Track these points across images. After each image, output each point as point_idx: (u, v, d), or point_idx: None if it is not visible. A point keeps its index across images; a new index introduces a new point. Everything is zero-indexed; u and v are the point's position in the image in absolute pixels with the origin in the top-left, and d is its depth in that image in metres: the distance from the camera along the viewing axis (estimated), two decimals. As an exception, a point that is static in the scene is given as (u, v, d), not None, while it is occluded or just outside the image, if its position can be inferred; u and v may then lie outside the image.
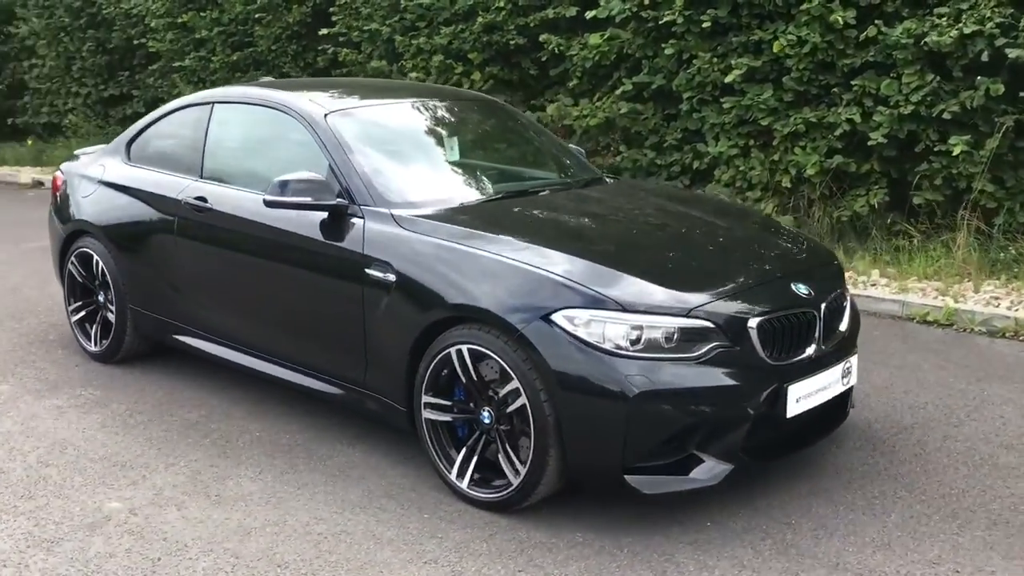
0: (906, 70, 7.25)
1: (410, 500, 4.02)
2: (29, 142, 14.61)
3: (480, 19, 9.34)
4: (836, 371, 4.01)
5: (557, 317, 3.65)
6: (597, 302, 3.65)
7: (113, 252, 5.50)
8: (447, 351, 3.91)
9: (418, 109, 5.21)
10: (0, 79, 15.39)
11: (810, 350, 3.92)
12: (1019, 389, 5.15)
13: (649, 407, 3.57)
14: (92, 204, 5.67)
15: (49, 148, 14.13)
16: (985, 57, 6.92)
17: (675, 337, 3.64)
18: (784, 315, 3.83)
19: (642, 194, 5.20)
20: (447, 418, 4.02)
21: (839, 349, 4.09)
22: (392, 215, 4.24)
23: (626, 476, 3.63)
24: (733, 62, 7.95)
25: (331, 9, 10.71)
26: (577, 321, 3.63)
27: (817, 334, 3.94)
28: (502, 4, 9.24)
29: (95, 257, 5.61)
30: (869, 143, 7.44)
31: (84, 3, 13.75)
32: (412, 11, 9.96)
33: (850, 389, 4.21)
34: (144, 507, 3.99)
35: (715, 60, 8.10)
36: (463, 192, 4.64)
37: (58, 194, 6.02)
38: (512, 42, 9.34)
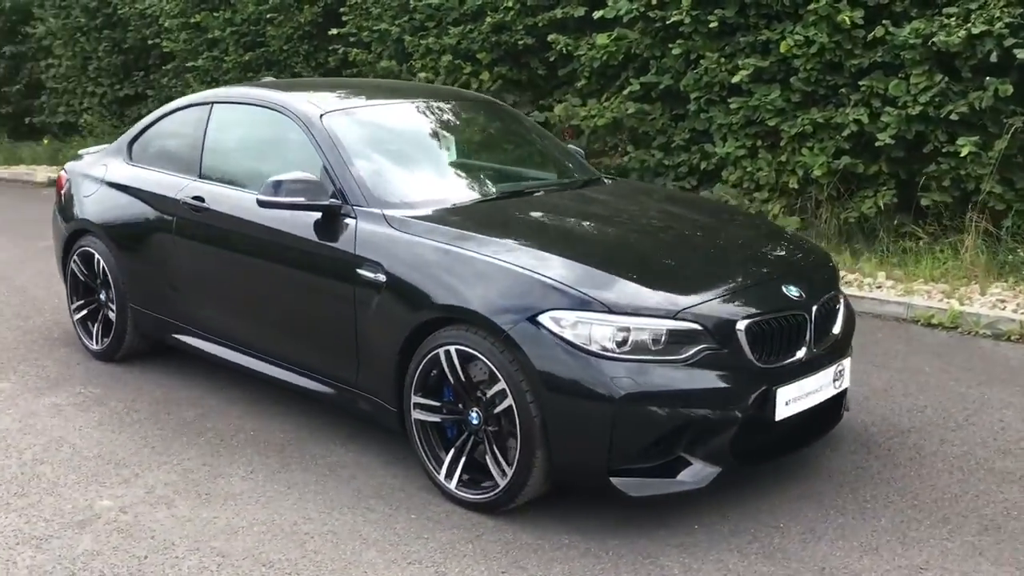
0: (914, 70, 7.19)
1: (399, 500, 4.03)
2: (45, 141, 14.73)
3: (489, 19, 9.34)
4: (828, 374, 3.97)
5: (544, 318, 3.64)
6: (584, 304, 3.64)
7: (114, 251, 5.53)
8: (435, 352, 3.91)
9: (415, 110, 5.22)
10: (17, 79, 15.52)
11: (801, 353, 3.89)
12: (1021, 393, 5.09)
13: (635, 409, 3.55)
14: (94, 203, 5.71)
15: (65, 147, 14.22)
16: (994, 58, 6.86)
17: (662, 339, 3.62)
18: (774, 317, 3.81)
19: (638, 195, 5.18)
20: (436, 419, 4.02)
21: (831, 352, 4.06)
22: (384, 216, 4.25)
23: (612, 478, 3.62)
24: (740, 62, 7.91)
25: (342, 9, 10.73)
26: (564, 323, 3.62)
27: (808, 337, 3.91)
28: (511, 4, 9.23)
29: (96, 256, 5.65)
30: (877, 144, 7.39)
31: (100, 3, 13.85)
32: (421, 11, 9.98)
33: (843, 392, 4.17)
34: (135, 505, 4.01)
35: (722, 60, 8.06)
36: (457, 193, 4.63)
37: (62, 193, 6.06)
38: (520, 42, 9.33)
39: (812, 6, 7.47)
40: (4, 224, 10.28)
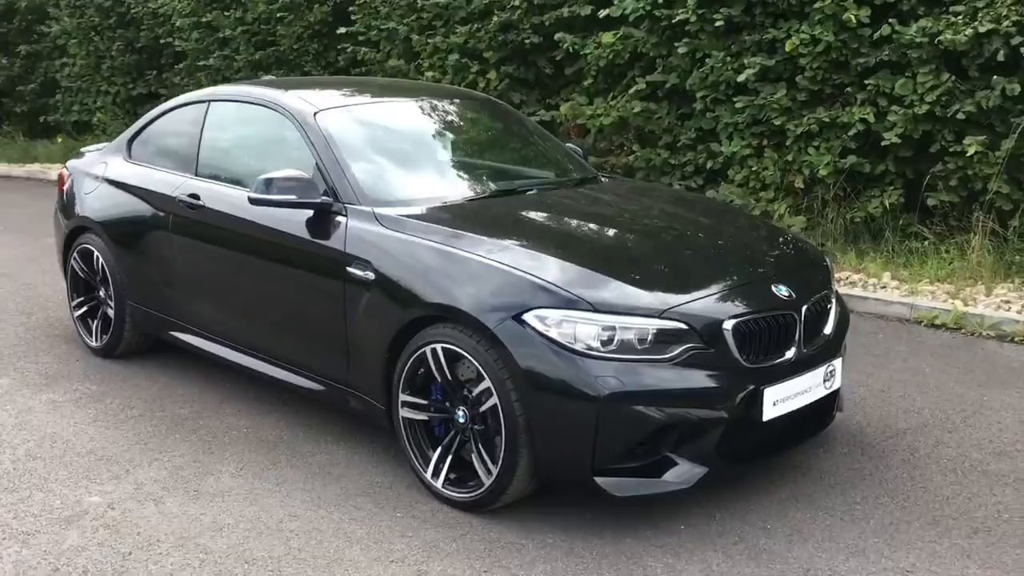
0: (921, 69, 7.13)
1: (386, 499, 4.02)
2: (59, 139, 14.81)
3: (495, 18, 9.32)
4: (818, 374, 3.94)
5: (529, 317, 3.62)
6: (569, 302, 3.62)
7: (112, 248, 5.55)
8: (422, 350, 3.90)
9: (411, 108, 5.21)
10: (33, 78, 15.61)
11: (790, 353, 3.85)
12: (1020, 395, 5.04)
13: (619, 408, 3.53)
14: (93, 201, 5.74)
15: (79, 146, 14.26)
16: (1001, 56, 6.80)
17: (648, 338, 3.60)
18: (762, 317, 3.78)
19: (633, 194, 5.16)
20: (423, 417, 4.01)
21: (822, 352, 4.01)
22: (374, 214, 4.24)
23: (596, 478, 3.60)
24: (746, 61, 7.86)
25: (350, 8, 10.74)
26: (549, 321, 3.60)
27: (797, 336, 3.87)
28: (517, 3, 9.21)
29: (96, 253, 5.67)
30: (883, 143, 7.33)
31: (114, 3, 13.91)
32: (429, 10, 9.97)
33: (835, 392, 4.13)
34: (123, 501, 4.02)
35: (728, 59, 8.01)
36: (450, 191, 4.62)
37: (64, 190, 6.09)
38: (527, 41, 9.30)
39: (818, 4, 7.41)
40: (15, 221, 10.34)
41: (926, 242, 7.32)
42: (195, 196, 5.02)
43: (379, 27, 10.41)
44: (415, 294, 3.95)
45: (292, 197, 4.33)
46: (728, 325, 3.68)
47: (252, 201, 4.40)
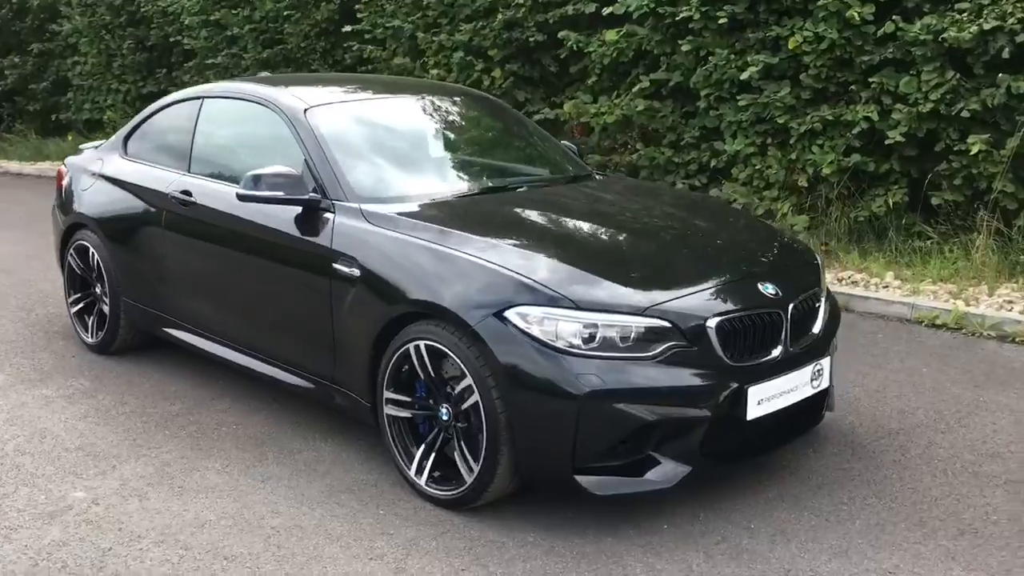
0: (925, 67, 7.06)
1: (370, 496, 4.00)
2: (70, 137, 14.88)
3: (500, 16, 9.30)
4: (804, 373, 3.89)
5: (510, 314, 3.60)
6: (551, 300, 3.59)
7: (107, 245, 5.57)
8: (406, 347, 3.88)
9: (403, 105, 5.20)
10: (45, 76, 15.69)
11: (776, 351, 3.81)
12: (1018, 396, 4.98)
13: (600, 406, 3.50)
14: (90, 197, 5.75)
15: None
16: (1006, 54, 6.73)
17: (630, 336, 3.57)
18: (748, 315, 3.74)
19: (625, 192, 5.12)
20: (407, 414, 3.99)
21: (810, 351, 3.97)
22: (361, 210, 4.23)
23: (577, 476, 3.57)
24: (749, 59, 7.81)
25: (357, 6, 10.74)
26: (531, 318, 3.57)
27: (784, 335, 3.83)
28: (522, 1, 9.18)
29: (91, 249, 5.69)
30: (887, 142, 7.27)
31: (124, 1, 13.96)
32: (434, 8, 9.96)
33: (824, 392, 4.09)
34: (107, 497, 4.02)
35: (732, 57, 7.96)
36: (439, 188, 4.60)
37: (62, 187, 6.11)
38: (532, 39, 9.28)
39: (822, 2, 7.35)
40: (22, 219, 10.38)
41: (929, 242, 7.25)
42: (187, 193, 5.02)
43: (385, 25, 10.41)
44: (399, 291, 3.94)
45: (280, 193, 4.32)
46: (712, 323, 3.64)
47: (240, 197, 4.39)
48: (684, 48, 8.17)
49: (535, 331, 3.56)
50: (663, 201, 4.87)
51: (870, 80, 7.36)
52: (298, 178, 4.36)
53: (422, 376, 3.88)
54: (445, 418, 3.84)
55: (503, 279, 3.69)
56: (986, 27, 6.74)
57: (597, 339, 3.55)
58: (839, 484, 4.03)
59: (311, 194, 4.35)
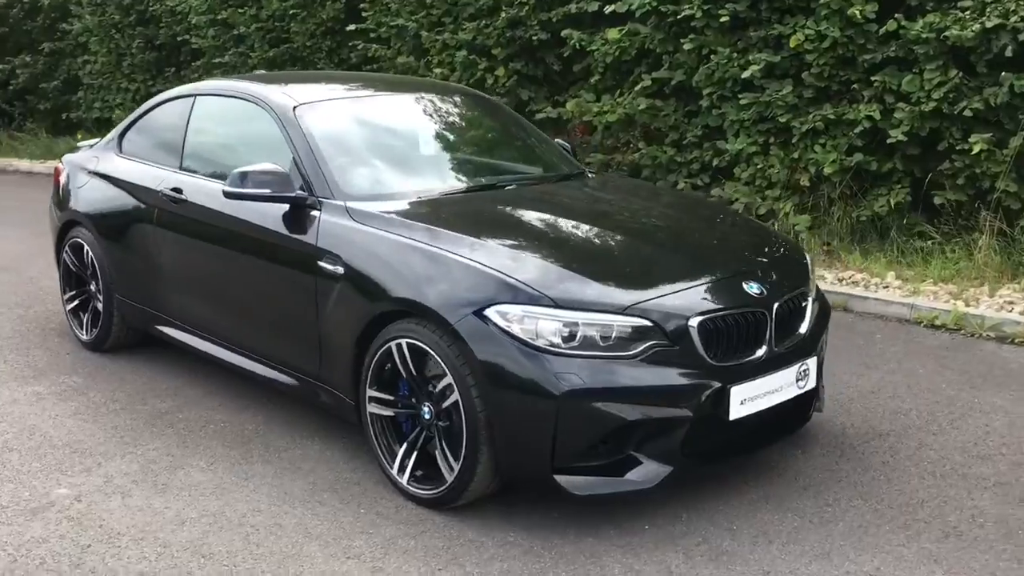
0: (928, 66, 7.00)
1: (352, 495, 3.99)
2: (79, 136, 14.93)
3: (503, 14, 9.28)
4: (789, 373, 3.85)
5: (490, 312, 3.57)
6: (532, 298, 3.57)
7: (101, 242, 5.58)
8: (388, 345, 3.86)
9: (395, 103, 5.19)
10: (56, 75, 15.76)
11: (760, 351, 3.78)
12: (1013, 398, 4.92)
13: (579, 406, 3.48)
14: (84, 195, 5.77)
15: (99, 143, 14.41)
16: (1009, 52, 6.66)
17: (612, 335, 3.54)
18: (731, 314, 3.71)
19: (615, 190, 5.09)
20: (390, 413, 3.98)
21: (796, 351, 3.93)
22: (347, 208, 4.22)
23: (556, 476, 3.55)
24: (751, 57, 7.76)
25: (361, 5, 10.74)
26: (511, 317, 3.55)
27: (768, 335, 3.80)
28: (525, -1, 9.17)
29: (85, 247, 5.70)
30: (888, 141, 7.21)
31: (133, 0, 14.01)
32: (438, 6, 9.95)
33: (811, 392, 4.04)
34: (90, 494, 4.02)
35: (734, 56, 7.92)
36: (427, 186, 4.58)
37: (59, 185, 6.12)
38: (535, 37, 9.25)
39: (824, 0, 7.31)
40: (30, 217, 10.37)
41: (931, 242, 7.19)
42: (178, 190, 5.02)
43: (389, 24, 10.40)
44: (382, 288, 3.92)
45: (267, 191, 4.32)
46: (694, 322, 3.61)
47: (227, 195, 4.39)
48: (686, 47, 8.12)
49: (515, 330, 3.53)
50: (653, 200, 4.85)
51: (872, 79, 7.31)
52: (285, 175, 4.35)
53: (404, 375, 3.86)
54: (427, 417, 3.83)
55: (483, 277, 3.67)
56: (988, 25, 6.68)
57: (577, 338, 3.52)
58: (825, 485, 3.99)
59: (298, 192, 4.34)
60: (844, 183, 7.56)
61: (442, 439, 3.78)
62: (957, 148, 6.99)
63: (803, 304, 4.06)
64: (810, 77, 7.56)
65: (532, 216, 4.31)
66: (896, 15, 7.15)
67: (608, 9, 8.55)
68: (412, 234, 3.97)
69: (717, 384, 3.62)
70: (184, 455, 4.38)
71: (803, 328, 4.03)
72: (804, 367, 3.93)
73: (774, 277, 3.97)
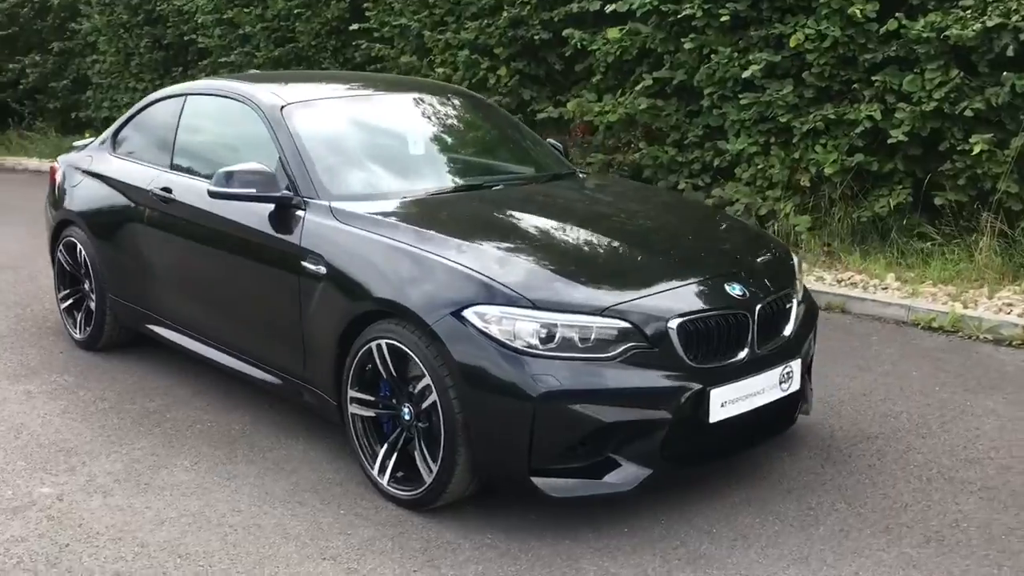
0: (929, 65, 6.94)
1: (333, 495, 3.98)
2: (87, 135, 14.99)
3: (505, 13, 9.26)
4: (772, 376, 3.82)
5: (468, 313, 3.56)
6: (509, 299, 3.55)
7: (94, 241, 5.59)
8: (369, 345, 3.85)
9: (385, 103, 5.18)
10: (65, 74, 15.83)
11: (742, 353, 3.75)
12: (1007, 401, 4.87)
13: (556, 407, 3.46)
14: (78, 194, 5.78)
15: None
16: (1011, 52, 6.60)
17: (590, 337, 3.51)
18: (712, 316, 3.68)
19: (604, 191, 5.07)
20: (371, 413, 3.97)
21: (780, 353, 3.90)
22: (330, 208, 4.21)
23: (533, 478, 3.53)
24: (751, 57, 7.72)
25: (365, 4, 10.74)
26: (488, 318, 3.53)
27: (750, 337, 3.76)
28: (527, -2, 9.15)
29: (79, 246, 5.71)
30: (889, 141, 7.16)
31: (141, 0, 14.06)
32: (440, 6, 9.94)
33: (795, 395, 4.00)
34: (73, 493, 4.03)
35: (735, 55, 7.87)
36: (413, 186, 4.56)
37: (54, 184, 6.14)
38: (537, 37, 9.23)
39: (824, -2, 7.27)
40: (33, 216, 10.37)
41: (931, 243, 7.13)
42: (167, 189, 5.02)
43: (392, 23, 10.40)
44: (363, 289, 3.91)
45: (252, 190, 4.31)
46: (673, 324, 3.58)
47: (211, 194, 4.38)
48: (687, 46, 8.08)
49: (493, 331, 3.52)
50: (642, 201, 4.82)
51: (873, 78, 7.25)
52: (271, 175, 4.34)
53: (385, 375, 3.85)
54: (407, 418, 3.81)
55: (462, 278, 3.65)
56: (990, 24, 6.62)
57: (556, 339, 3.50)
58: (809, 489, 3.96)
59: (283, 191, 4.33)
60: (845, 183, 7.50)
61: (421, 440, 3.76)
62: (958, 149, 6.93)
63: (787, 306, 4.02)
64: (811, 77, 7.51)
65: (516, 217, 4.29)
66: (897, 14, 7.09)
67: (609, 8, 8.52)
68: (393, 234, 3.95)
69: (697, 386, 3.59)
70: (169, 455, 4.38)
71: (787, 330, 3.99)
72: (788, 369, 3.89)
73: (758, 279, 3.94)
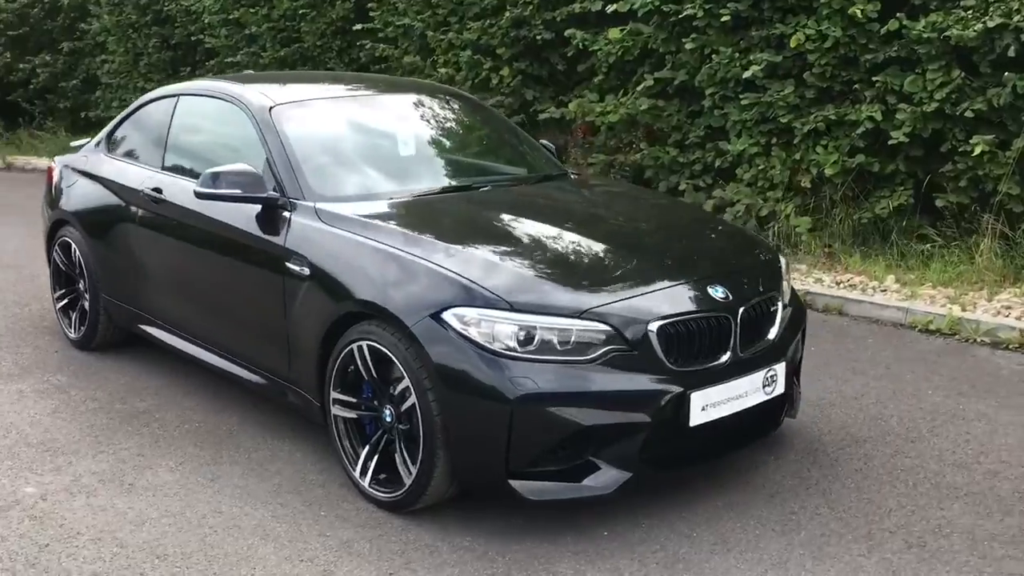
0: (930, 66, 6.89)
1: (315, 497, 3.98)
2: (93, 135, 15.05)
3: (508, 14, 9.25)
4: (755, 379, 3.79)
5: (447, 315, 3.55)
6: (488, 301, 3.54)
7: (88, 241, 5.61)
8: (351, 347, 3.85)
9: (375, 104, 5.18)
10: (75, 74, 15.91)
11: (724, 356, 3.72)
12: (999, 405, 4.83)
13: (534, 410, 3.45)
14: (73, 194, 5.81)
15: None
16: (1012, 52, 6.54)
17: (569, 339, 3.50)
18: (693, 319, 3.65)
19: (593, 192, 5.05)
20: (353, 415, 3.96)
21: (764, 356, 3.87)
22: (315, 209, 4.20)
23: (512, 481, 3.52)
24: (752, 57, 7.68)
25: (369, 4, 10.75)
26: (467, 320, 3.52)
27: (733, 340, 3.74)
28: (529, -2, 9.13)
29: (73, 245, 5.73)
30: (890, 142, 7.11)
31: (149, 0, 14.11)
32: (443, 6, 9.94)
33: (780, 398, 3.98)
34: (56, 493, 4.04)
35: (737, 55, 7.84)
36: (400, 187, 4.56)
37: (51, 184, 6.16)
38: (539, 37, 9.21)
39: (825, -1, 7.22)
40: (36, 216, 10.50)
41: (931, 245, 7.08)
42: (158, 190, 5.03)
43: (395, 24, 10.40)
44: (345, 290, 3.91)
45: (238, 191, 4.31)
46: (653, 327, 3.56)
47: (198, 195, 4.39)
48: (688, 46, 8.05)
49: (472, 333, 3.51)
50: (630, 203, 4.80)
51: (874, 79, 7.20)
52: (257, 176, 4.34)
53: (367, 377, 3.84)
54: (388, 420, 3.81)
55: (441, 280, 3.64)
56: (991, 24, 6.56)
57: (535, 342, 3.49)
58: (793, 493, 3.93)
59: (270, 192, 4.33)
60: (846, 184, 7.45)
61: (401, 442, 3.76)
62: (959, 150, 6.88)
63: (772, 309, 3.99)
64: (812, 77, 7.46)
65: (501, 218, 4.28)
66: (898, 15, 7.04)
67: (611, 9, 8.49)
68: (376, 236, 3.95)
69: (677, 389, 3.57)
70: (155, 455, 4.39)
71: (772, 333, 3.96)
72: (772, 373, 3.86)
73: (742, 281, 3.91)
